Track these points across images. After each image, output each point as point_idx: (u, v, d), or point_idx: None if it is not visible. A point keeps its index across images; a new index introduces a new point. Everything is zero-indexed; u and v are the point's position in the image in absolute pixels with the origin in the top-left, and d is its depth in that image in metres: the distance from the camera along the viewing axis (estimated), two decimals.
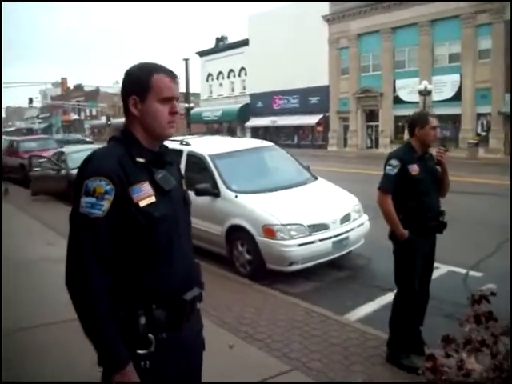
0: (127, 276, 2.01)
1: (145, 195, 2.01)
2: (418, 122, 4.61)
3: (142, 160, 2.06)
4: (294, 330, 5.33)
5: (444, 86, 34.52)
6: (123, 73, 2.15)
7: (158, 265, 2.05)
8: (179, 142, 9.08)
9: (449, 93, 34.52)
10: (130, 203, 1.97)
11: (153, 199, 2.02)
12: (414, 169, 4.49)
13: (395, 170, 4.50)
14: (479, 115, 33.56)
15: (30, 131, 60.67)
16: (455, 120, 33.90)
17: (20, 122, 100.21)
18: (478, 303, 2.69)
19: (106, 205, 1.93)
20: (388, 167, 4.56)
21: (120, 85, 2.21)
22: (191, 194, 7.96)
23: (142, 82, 2.07)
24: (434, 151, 4.71)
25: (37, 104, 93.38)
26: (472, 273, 7.37)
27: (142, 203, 1.99)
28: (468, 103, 33.48)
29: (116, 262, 1.98)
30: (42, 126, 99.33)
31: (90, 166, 1.99)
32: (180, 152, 8.76)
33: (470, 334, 2.65)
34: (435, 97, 34.16)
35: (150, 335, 2.01)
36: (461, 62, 33.89)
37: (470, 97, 33.40)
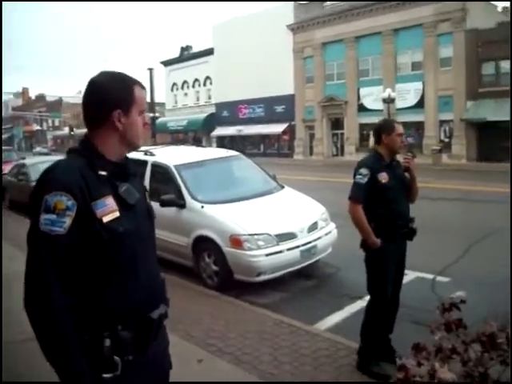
0: (90, 295, 1.89)
1: (108, 210, 1.90)
2: (384, 130, 4.60)
3: (104, 173, 1.96)
4: (264, 341, 5.24)
5: (407, 93, 35.09)
6: (87, 83, 2.05)
7: (122, 282, 1.95)
8: (143, 153, 8.94)
9: (412, 100, 35.10)
10: (92, 219, 1.86)
11: (116, 214, 1.93)
12: (384, 177, 4.47)
13: (365, 179, 4.47)
14: (442, 122, 34.18)
15: None
16: (419, 127, 34.46)
17: None
18: (448, 311, 2.66)
19: (67, 221, 1.81)
20: (358, 176, 4.53)
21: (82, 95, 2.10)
22: (156, 205, 7.84)
23: (126, 95, 2.02)
24: (400, 158, 4.70)
25: None
26: (439, 278, 7.42)
27: (106, 218, 1.89)
28: (431, 110, 34.08)
29: (78, 280, 1.87)
30: (4, 136, 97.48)
31: (50, 179, 1.87)
32: (145, 162, 8.63)
33: (441, 341, 2.62)
34: (399, 104, 34.67)
35: (115, 358, 1.90)
36: (423, 69, 34.51)
37: (433, 104, 34.02)
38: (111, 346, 1.89)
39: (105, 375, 1.88)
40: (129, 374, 1.93)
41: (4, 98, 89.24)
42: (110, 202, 1.92)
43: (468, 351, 2.54)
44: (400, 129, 4.61)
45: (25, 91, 69.87)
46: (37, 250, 1.82)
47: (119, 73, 2.08)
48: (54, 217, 1.80)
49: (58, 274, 1.80)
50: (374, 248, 4.51)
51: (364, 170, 4.50)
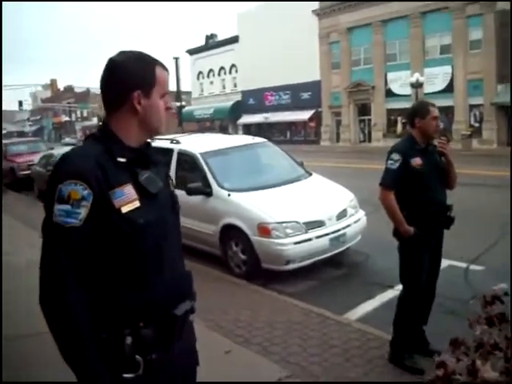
0: (109, 291, 1.78)
1: (128, 200, 1.77)
2: (418, 113, 4.39)
3: (123, 160, 1.83)
4: (292, 332, 5.14)
5: (436, 77, 34.40)
6: (106, 63, 1.92)
7: (145, 277, 1.83)
8: (170, 141, 8.90)
9: (441, 85, 34.40)
10: (110, 209, 1.74)
11: (137, 204, 1.79)
12: (417, 162, 4.28)
13: (397, 164, 4.29)
14: (472, 106, 33.47)
15: (21, 134, 60.28)
16: (448, 112, 33.75)
17: (11, 125, 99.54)
18: (490, 304, 2.51)
19: (82, 212, 1.69)
20: (389, 161, 4.36)
21: None
22: (183, 193, 7.79)
23: (146, 76, 1.88)
24: (435, 142, 4.52)
25: (27, 107, 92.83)
26: (473, 266, 7.22)
27: (125, 209, 1.76)
28: (460, 95, 33.38)
29: (96, 275, 1.76)
30: (33, 128, 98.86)
31: (64, 167, 1.75)
32: (171, 151, 8.59)
33: (482, 336, 2.47)
34: (427, 89, 34.00)
35: (137, 357, 1.78)
36: (452, 53, 33.77)
37: (462, 88, 33.30)
38: (132, 344, 1.78)
39: (126, 375, 1.77)
40: (152, 374, 1.82)
41: (32, 89, 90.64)
42: (129, 190, 1.79)
43: (511, 347, 2.39)
44: (435, 112, 4.38)
45: (53, 83, 70.49)
46: (51, 243, 1.70)
47: (140, 52, 1.94)
48: (68, 207, 1.68)
49: (74, 269, 1.68)
50: (407, 237, 4.35)
51: (395, 155, 4.33)
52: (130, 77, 1.86)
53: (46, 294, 1.69)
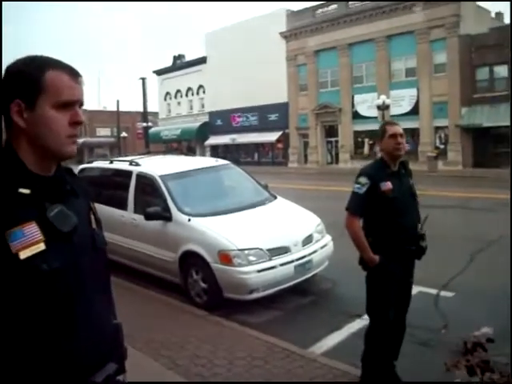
0: (11, 357, 1.39)
1: (29, 242, 1.40)
2: (379, 134, 4.22)
3: (26, 191, 1.46)
4: (254, 369, 4.77)
5: (402, 100, 34.82)
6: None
7: (52, 339, 1.45)
8: (128, 163, 8.53)
9: (407, 107, 34.83)
10: (5, 254, 1.37)
11: (41, 247, 1.42)
12: (387, 186, 4.02)
13: (364, 189, 4.02)
14: (437, 128, 33.93)
15: None
16: (414, 134, 34.12)
17: None
18: (471, 352, 2.21)
19: None
20: (356, 185, 4.09)
21: None
22: (141, 218, 7.40)
23: (30, 81, 1.49)
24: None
25: None
26: (443, 293, 6.97)
27: (24, 254, 1.39)
28: (426, 117, 33.80)
29: None
30: None
31: None
32: (129, 173, 8.23)
33: None
34: (394, 111, 34.32)
35: None
36: (417, 76, 34.26)
37: (428, 110, 33.75)
38: None
39: None
40: None
41: None
42: (31, 230, 1.42)
43: None
44: (392, 129, 4.14)
45: None
46: None
47: (35, 56, 1.56)
48: None
49: None
50: (372, 265, 4.07)
51: (363, 179, 4.06)
52: (8, 84, 1.50)
53: None
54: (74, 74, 1.56)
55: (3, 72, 1.52)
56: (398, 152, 4.11)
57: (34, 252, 1.40)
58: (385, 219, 4.06)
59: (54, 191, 1.54)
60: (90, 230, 1.69)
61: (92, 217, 1.73)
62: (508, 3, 29.06)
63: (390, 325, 4.17)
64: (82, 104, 1.58)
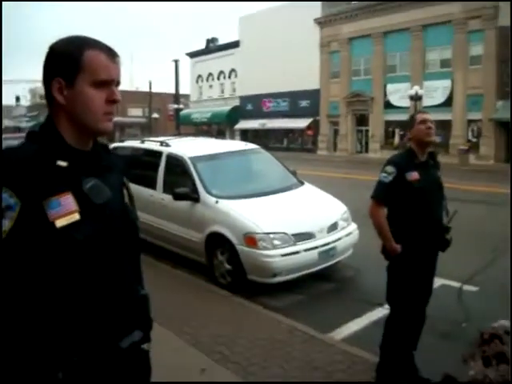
0: (39, 318, 1.48)
1: (65, 212, 1.48)
2: (409, 125, 4.21)
3: (64, 164, 1.54)
4: (275, 351, 4.85)
5: (435, 91, 34.28)
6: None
7: (82, 303, 1.54)
8: (159, 143, 8.65)
9: (440, 98, 34.29)
10: (43, 222, 1.45)
11: (75, 217, 1.50)
12: (414, 176, 4.01)
13: (390, 178, 4.02)
14: (470, 121, 33.36)
15: (17, 129, 59.86)
16: (446, 126, 33.63)
17: (7, 121, 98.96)
18: (488, 343, 2.25)
19: (7, 224, 1.41)
20: (383, 174, 4.09)
21: None
22: (169, 198, 7.52)
23: (69, 60, 1.57)
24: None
25: (25, 102, 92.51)
26: (466, 287, 6.94)
27: (60, 222, 1.47)
28: (459, 109, 33.26)
29: (25, 300, 1.46)
30: (30, 124, 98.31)
31: None
32: (159, 153, 8.36)
33: (477, 376, 2.22)
34: (426, 102, 33.82)
35: None
36: (452, 67, 33.69)
37: (461, 103, 33.19)
38: (63, 380, 1.48)
39: None
40: None
41: (32, 86, 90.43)
42: (67, 200, 1.50)
43: None
44: (422, 116, 4.15)
45: None
46: None
47: (76, 36, 1.63)
48: None
49: None
50: (394, 255, 4.10)
51: (390, 168, 4.06)
52: (51, 63, 1.59)
53: None
54: (111, 54, 1.62)
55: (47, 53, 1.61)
56: (428, 138, 4.10)
57: (69, 221, 1.49)
58: (409, 209, 4.06)
59: (90, 165, 1.63)
60: (123, 205, 1.77)
61: (125, 192, 1.81)
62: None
63: (410, 315, 4.20)
64: (118, 83, 1.66)
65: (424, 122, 4.09)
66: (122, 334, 1.64)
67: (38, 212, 1.45)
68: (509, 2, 28.27)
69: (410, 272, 4.08)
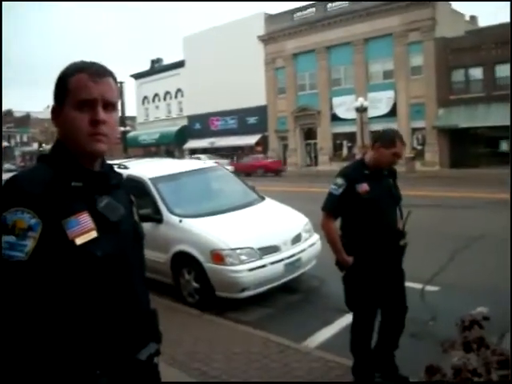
0: (62, 334, 1.51)
1: (83, 230, 1.55)
2: (383, 140, 4.11)
3: (79, 184, 1.60)
4: (252, 363, 4.91)
5: (379, 102, 35.30)
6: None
7: (103, 319, 1.59)
8: (117, 166, 8.59)
9: (384, 109, 35.31)
10: (63, 241, 1.51)
11: (94, 235, 1.56)
12: (363, 188, 4.05)
13: (340, 190, 4.09)
14: (414, 130, 34.44)
15: None
16: None
17: None
18: (468, 329, 2.39)
19: (29, 245, 1.45)
20: (333, 186, 4.16)
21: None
22: None
23: (59, 85, 1.65)
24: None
25: None
26: (428, 287, 7.17)
27: (80, 240, 1.53)
28: (403, 118, 34.29)
29: (47, 317, 1.49)
30: None
31: (9, 193, 1.51)
32: None
33: (459, 362, 2.34)
34: (371, 113, 34.78)
35: None
36: (394, 78, 34.74)
37: (405, 112, 34.27)
38: None
39: None
40: None
41: None
42: (85, 219, 1.56)
43: (491, 373, 2.28)
44: (401, 149, 4.10)
45: None
46: None
47: (76, 62, 1.70)
48: (12, 239, 1.45)
49: (22, 311, 1.44)
50: (346, 266, 4.19)
51: (340, 180, 4.13)
52: (54, 89, 1.68)
53: None
54: (93, 74, 1.63)
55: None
56: (388, 166, 4.20)
57: (87, 239, 1.55)
58: (360, 220, 4.11)
59: (102, 184, 1.69)
60: (132, 221, 1.84)
61: (134, 209, 1.88)
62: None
63: (371, 319, 4.31)
64: (109, 103, 1.66)
65: (398, 156, 4.11)
66: (138, 346, 1.70)
67: (57, 231, 1.50)
68: (442, 14, 29.45)
69: (364, 281, 4.15)
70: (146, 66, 57.26)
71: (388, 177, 4.31)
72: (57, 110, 1.66)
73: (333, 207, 4.18)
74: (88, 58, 1.69)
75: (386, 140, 4.09)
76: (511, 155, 25.67)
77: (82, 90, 1.61)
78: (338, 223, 4.39)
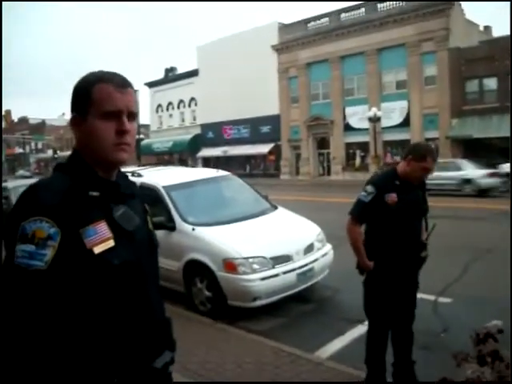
0: (78, 343, 1.53)
1: (101, 239, 1.56)
2: (416, 153, 4.08)
3: (96, 194, 1.62)
4: (264, 373, 4.90)
5: (393, 112, 35.19)
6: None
7: (120, 327, 1.61)
8: (130, 174, 8.64)
9: (397, 119, 35.20)
10: (81, 250, 1.52)
11: (111, 243, 1.58)
12: (392, 198, 4.08)
13: (369, 198, 4.14)
14: (427, 140, 34.18)
15: None
16: (405, 145, 34.35)
17: None
18: (482, 342, 2.38)
19: (49, 254, 1.46)
20: (363, 193, 4.21)
21: (66, 117, 1.78)
22: None
23: (81, 96, 1.67)
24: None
25: None
26: (441, 299, 7.14)
27: (98, 249, 1.54)
28: (416, 128, 34.17)
29: (63, 324, 1.50)
30: None
31: (28, 202, 1.53)
32: None
33: (473, 375, 2.34)
34: (384, 123, 34.70)
35: None
36: (408, 88, 34.66)
37: (418, 122, 34.15)
38: None
39: None
40: None
41: None
42: (102, 228, 1.58)
43: None
44: (430, 164, 4.06)
45: (7, 114, 69.07)
46: (12, 289, 1.46)
47: (94, 72, 1.73)
48: (32, 248, 1.46)
49: (40, 320, 1.45)
50: (366, 271, 4.26)
51: (370, 188, 4.18)
52: (72, 99, 1.70)
53: (11, 354, 1.43)
54: (119, 86, 1.67)
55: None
56: (418, 181, 4.20)
57: (105, 248, 1.57)
58: (385, 229, 4.16)
59: (118, 194, 1.72)
60: (147, 230, 1.86)
61: (148, 218, 1.90)
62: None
63: (386, 327, 4.34)
64: (132, 114, 1.70)
65: (427, 171, 4.11)
66: (154, 355, 1.71)
67: (75, 240, 1.52)
68: (456, 24, 29.40)
69: (383, 288, 4.20)
70: (161, 75, 57.66)
71: (418, 188, 4.31)
72: (78, 120, 1.68)
73: (360, 213, 4.24)
74: (104, 67, 1.71)
75: (417, 154, 4.08)
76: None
77: (107, 100, 1.64)
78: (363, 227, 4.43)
